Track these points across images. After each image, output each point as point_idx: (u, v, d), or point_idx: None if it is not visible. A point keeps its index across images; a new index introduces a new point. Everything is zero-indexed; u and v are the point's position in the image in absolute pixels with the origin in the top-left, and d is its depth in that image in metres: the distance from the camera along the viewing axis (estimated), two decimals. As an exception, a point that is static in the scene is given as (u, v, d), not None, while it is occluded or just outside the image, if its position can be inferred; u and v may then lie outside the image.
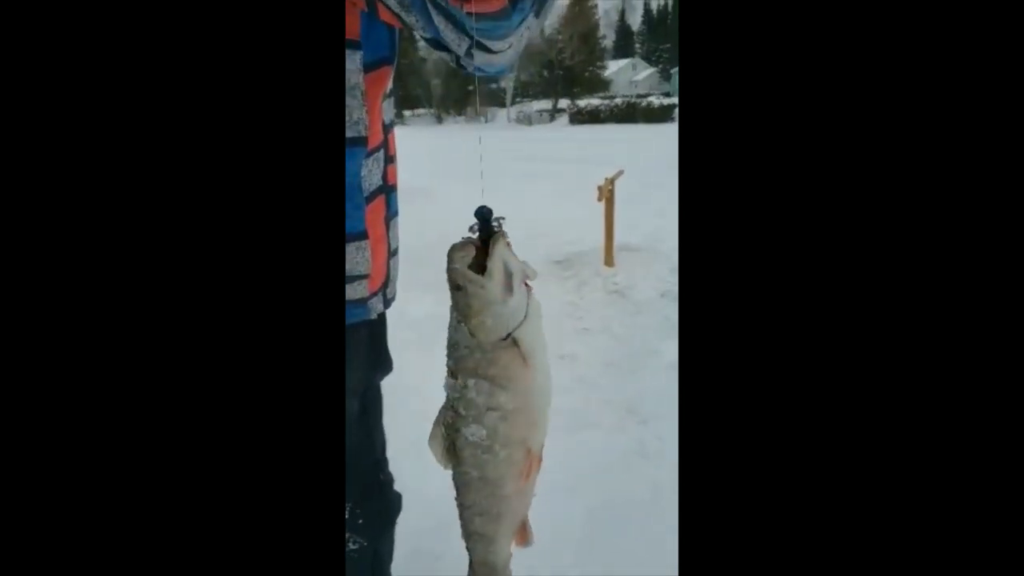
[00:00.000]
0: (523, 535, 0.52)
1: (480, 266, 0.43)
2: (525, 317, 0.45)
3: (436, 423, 0.48)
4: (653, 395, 2.03)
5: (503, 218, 0.43)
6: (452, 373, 0.46)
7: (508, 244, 0.44)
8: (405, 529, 0.85)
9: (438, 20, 0.47)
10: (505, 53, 0.50)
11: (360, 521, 0.76)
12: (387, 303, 0.73)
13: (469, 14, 0.43)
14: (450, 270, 0.43)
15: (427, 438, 0.49)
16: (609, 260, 3.41)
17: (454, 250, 0.43)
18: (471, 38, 0.47)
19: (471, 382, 0.45)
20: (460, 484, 0.49)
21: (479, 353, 0.45)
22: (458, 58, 0.51)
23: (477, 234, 0.43)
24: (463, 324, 0.44)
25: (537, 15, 0.48)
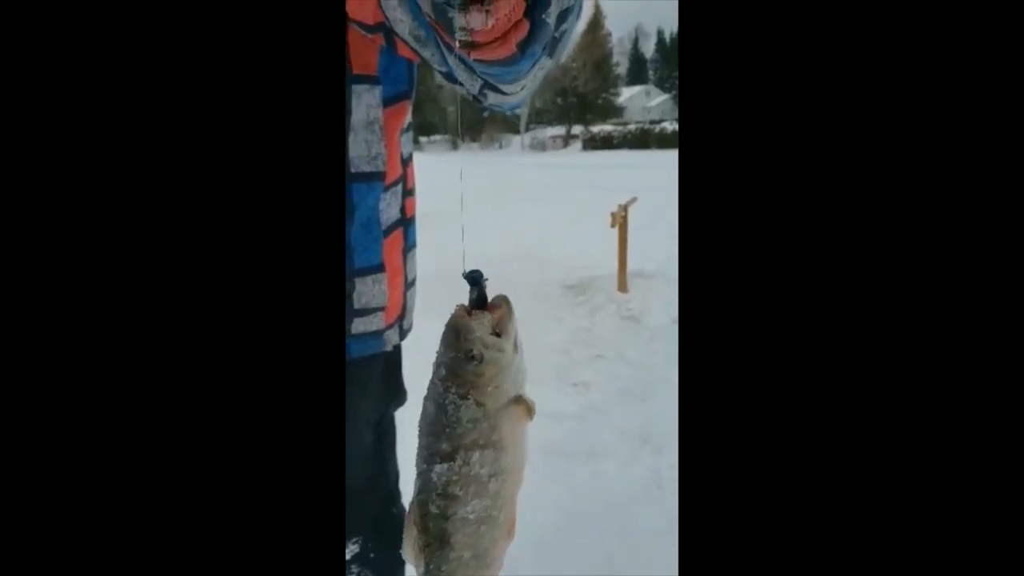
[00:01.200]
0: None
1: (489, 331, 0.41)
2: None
3: (410, 522, 0.44)
4: (668, 424, 2.00)
5: (487, 279, 0.42)
6: (447, 456, 0.43)
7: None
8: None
9: (451, 60, 0.47)
10: (519, 93, 0.50)
11: (371, 555, 0.75)
12: (403, 334, 0.73)
13: (477, 61, 0.42)
14: (469, 340, 0.41)
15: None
16: (622, 286, 3.40)
17: (467, 319, 0.41)
18: (483, 80, 0.47)
19: (475, 456, 0.42)
20: (446, 571, 0.45)
21: (484, 422, 0.42)
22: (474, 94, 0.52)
23: (473, 299, 0.42)
24: (468, 398, 0.41)
25: (551, 55, 0.47)
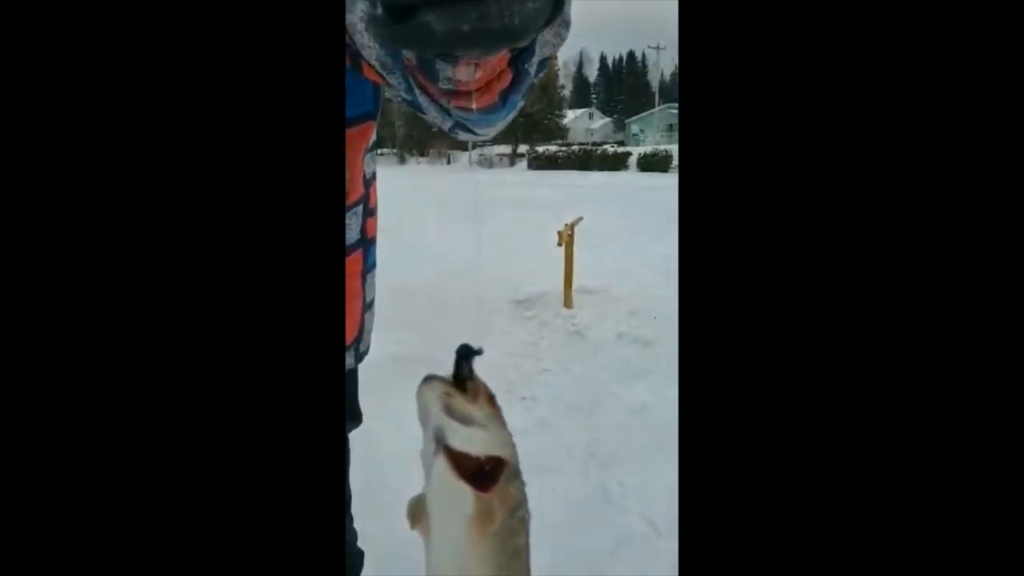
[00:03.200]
0: None
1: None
2: None
3: None
4: (615, 438, 2.05)
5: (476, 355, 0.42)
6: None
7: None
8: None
9: (422, 99, 0.46)
10: (490, 133, 0.51)
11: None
12: (359, 357, 0.73)
13: (462, 108, 0.41)
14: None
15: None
16: (568, 302, 3.47)
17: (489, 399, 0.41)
18: (455, 120, 0.46)
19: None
20: None
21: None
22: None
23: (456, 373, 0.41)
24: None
25: (525, 98, 0.47)
